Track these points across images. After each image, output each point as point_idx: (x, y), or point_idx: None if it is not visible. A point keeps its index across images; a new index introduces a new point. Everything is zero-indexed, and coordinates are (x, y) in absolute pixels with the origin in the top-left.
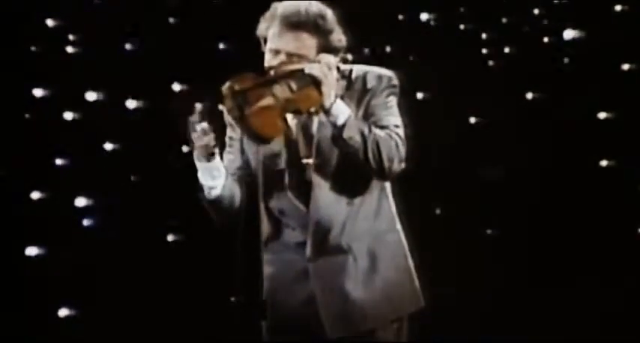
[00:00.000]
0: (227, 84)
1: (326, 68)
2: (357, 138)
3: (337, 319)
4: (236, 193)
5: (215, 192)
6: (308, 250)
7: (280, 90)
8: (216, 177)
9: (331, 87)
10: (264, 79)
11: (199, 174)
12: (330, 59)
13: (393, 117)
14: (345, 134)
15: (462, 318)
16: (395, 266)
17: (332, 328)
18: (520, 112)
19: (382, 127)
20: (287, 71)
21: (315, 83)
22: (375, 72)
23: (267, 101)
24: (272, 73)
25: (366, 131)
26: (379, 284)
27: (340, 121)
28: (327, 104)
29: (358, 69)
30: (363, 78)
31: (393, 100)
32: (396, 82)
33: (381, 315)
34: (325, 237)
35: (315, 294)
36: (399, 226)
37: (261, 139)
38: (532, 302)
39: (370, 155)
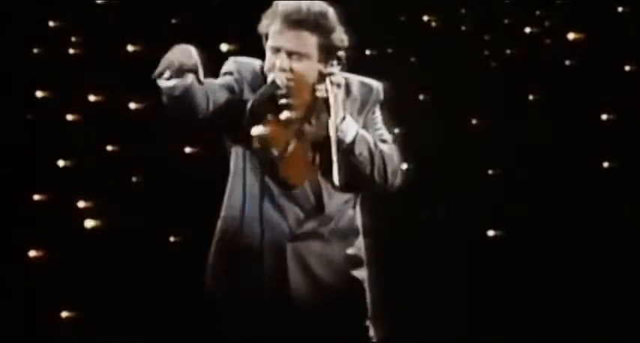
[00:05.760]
0: (255, 131)
1: (335, 88)
2: (366, 153)
3: (306, 304)
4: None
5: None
6: (288, 232)
7: (306, 129)
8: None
9: (340, 105)
10: (288, 121)
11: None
12: (339, 78)
13: (385, 130)
14: (357, 150)
15: (462, 319)
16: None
17: (301, 313)
18: (522, 114)
19: (383, 141)
20: (301, 102)
21: (326, 105)
22: (366, 83)
23: (294, 146)
24: (288, 104)
25: (373, 147)
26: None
27: (349, 138)
28: (337, 122)
29: (352, 79)
30: (359, 89)
31: (380, 112)
32: (382, 94)
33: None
34: (309, 224)
35: (289, 277)
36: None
37: (288, 187)
38: (532, 303)
39: (376, 170)
